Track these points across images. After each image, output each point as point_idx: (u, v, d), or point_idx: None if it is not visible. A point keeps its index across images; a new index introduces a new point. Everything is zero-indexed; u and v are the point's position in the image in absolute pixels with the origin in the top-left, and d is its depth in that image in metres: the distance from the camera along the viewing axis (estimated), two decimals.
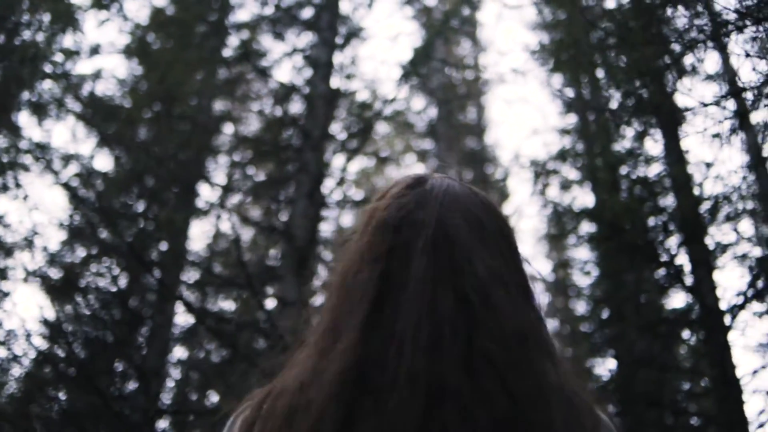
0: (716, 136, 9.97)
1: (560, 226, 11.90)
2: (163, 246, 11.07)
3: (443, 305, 1.17)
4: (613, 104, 11.64)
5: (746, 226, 11.11)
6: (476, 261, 1.23)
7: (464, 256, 1.24)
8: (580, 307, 15.33)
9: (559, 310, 18.54)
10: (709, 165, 10.77)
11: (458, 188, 1.38)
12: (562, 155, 12.51)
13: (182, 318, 10.88)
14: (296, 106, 10.57)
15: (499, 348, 1.14)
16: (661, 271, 10.57)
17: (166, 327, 10.84)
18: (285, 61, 10.75)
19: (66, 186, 10.10)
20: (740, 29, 3.90)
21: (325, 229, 11.02)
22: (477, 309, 1.17)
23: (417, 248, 1.24)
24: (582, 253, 13.76)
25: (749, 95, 4.26)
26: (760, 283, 9.87)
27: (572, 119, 13.32)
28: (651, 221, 10.44)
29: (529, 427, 1.09)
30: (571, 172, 12.47)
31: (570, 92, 13.19)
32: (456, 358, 1.12)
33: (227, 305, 11.71)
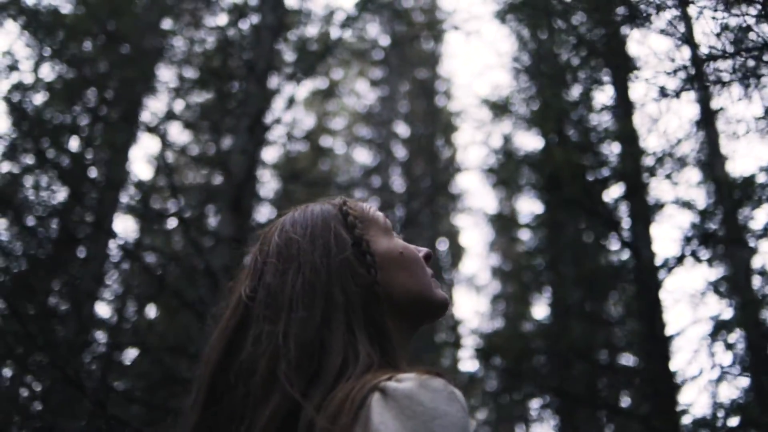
0: (665, 91, 9.95)
1: (504, 171, 11.81)
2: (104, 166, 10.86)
3: None
4: (567, 50, 11.52)
5: (688, 182, 11.17)
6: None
7: None
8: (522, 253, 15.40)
9: (503, 252, 18.70)
10: (656, 119, 10.75)
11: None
12: (514, 97, 12.40)
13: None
14: (243, 36, 10.26)
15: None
16: (600, 224, 10.60)
17: (102, 249, 10.66)
18: None
19: (6, 98, 9.81)
20: None
21: (265, 164, 10.80)
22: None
23: None
24: (526, 199, 13.78)
25: (705, 50, 4.17)
26: (695, 242, 9.97)
27: (526, 61, 13.14)
28: (593, 173, 10.40)
29: None
30: (520, 116, 12.37)
31: (526, 33, 12.98)
32: None
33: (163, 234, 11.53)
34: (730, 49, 4.41)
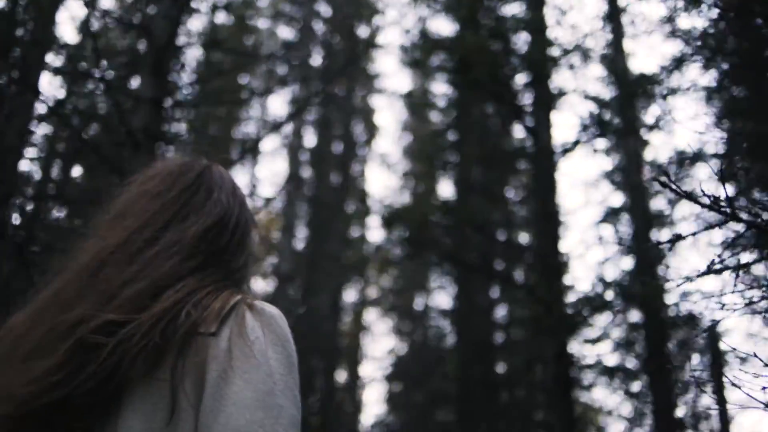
0: None
1: (419, 52, 12.23)
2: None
3: None
4: None
5: (590, 74, 11.82)
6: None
7: None
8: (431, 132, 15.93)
9: (413, 130, 19.29)
10: (564, 12, 11.28)
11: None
12: None
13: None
14: None
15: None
16: (505, 108, 11.18)
17: (26, 107, 10.76)
18: None
19: None
20: None
21: (187, 31, 10.98)
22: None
23: None
24: (438, 82, 14.25)
25: None
26: (591, 129, 10.68)
27: None
28: (502, 60, 10.90)
29: None
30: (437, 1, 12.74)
31: None
32: None
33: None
34: None
